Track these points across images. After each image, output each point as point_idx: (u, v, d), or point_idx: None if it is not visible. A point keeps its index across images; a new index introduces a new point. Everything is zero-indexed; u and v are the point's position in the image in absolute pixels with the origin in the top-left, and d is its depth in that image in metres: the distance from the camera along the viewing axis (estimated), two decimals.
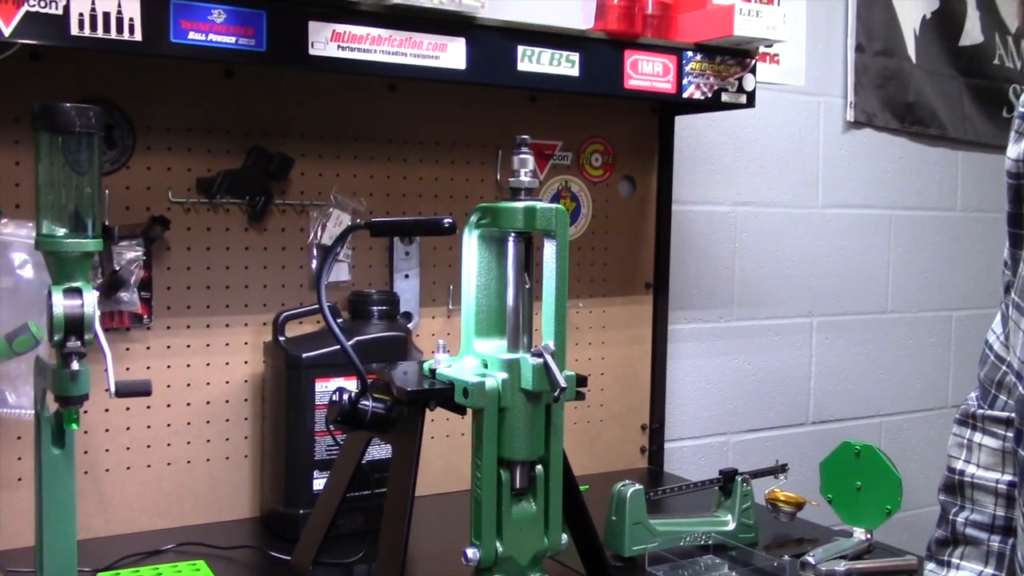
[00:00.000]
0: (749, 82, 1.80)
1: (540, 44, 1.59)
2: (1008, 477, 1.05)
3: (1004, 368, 1.05)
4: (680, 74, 1.73)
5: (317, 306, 1.27)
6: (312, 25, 1.41)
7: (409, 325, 1.76)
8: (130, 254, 1.54)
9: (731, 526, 1.55)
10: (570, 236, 1.91)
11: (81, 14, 1.26)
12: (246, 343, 1.67)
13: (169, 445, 1.62)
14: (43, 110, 1.10)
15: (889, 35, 2.46)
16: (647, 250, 2.07)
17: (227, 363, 1.66)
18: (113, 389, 1.12)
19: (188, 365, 1.63)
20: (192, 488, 1.64)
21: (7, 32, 1.23)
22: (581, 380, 1.18)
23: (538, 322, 1.15)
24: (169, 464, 1.62)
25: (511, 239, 1.17)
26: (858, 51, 2.42)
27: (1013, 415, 1.01)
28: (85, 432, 1.53)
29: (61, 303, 1.09)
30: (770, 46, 1.87)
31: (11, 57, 1.30)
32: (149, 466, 1.61)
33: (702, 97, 1.76)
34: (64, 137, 1.10)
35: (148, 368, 1.59)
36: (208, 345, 1.64)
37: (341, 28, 1.43)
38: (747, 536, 1.56)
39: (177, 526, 1.61)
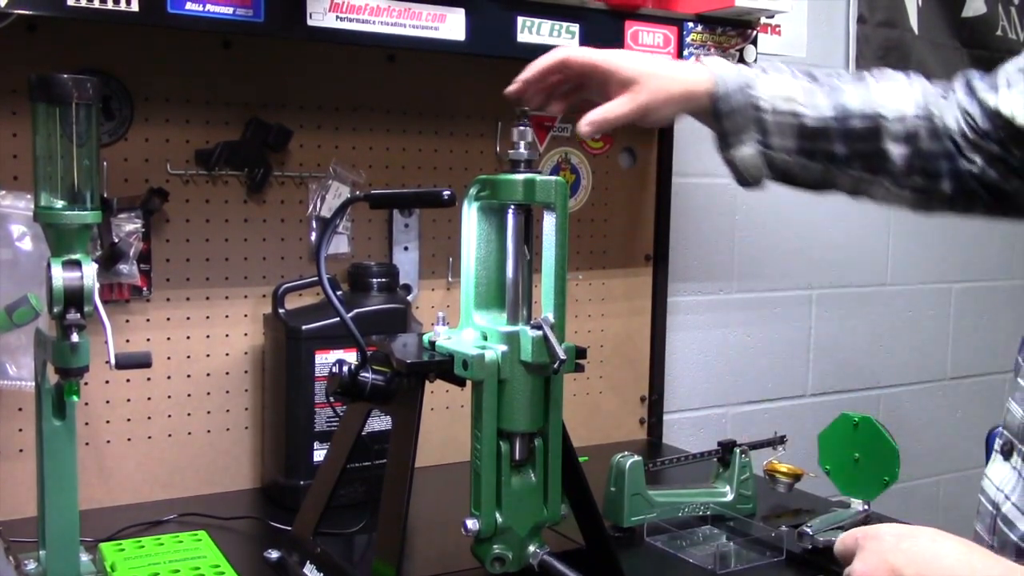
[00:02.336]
0: (750, 53, 1.79)
1: (540, 15, 1.58)
2: None
3: None
4: (681, 45, 1.72)
5: (316, 278, 1.27)
6: None
7: (408, 297, 1.77)
8: (129, 226, 1.54)
9: (729, 497, 1.56)
10: (570, 208, 1.91)
11: None
12: (246, 315, 1.67)
13: (170, 416, 1.62)
14: (40, 81, 1.10)
15: (891, 6, 2.44)
16: (647, 222, 2.06)
17: (227, 335, 1.66)
18: (113, 361, 1.12)
19: (188, 337, 1.63)
20: (193, 459, 1.65)
21: (3, 2, 1.22)
22: (580, 352, 1.18)
23: (537, 294, 1.15)
24: (170, 435, 1.63)
25: (511, 211, 1.16)
26: (860, 22, 2.40)
27: None
28: (86, 404, 1.53)
29: (60, 275, 1.09)
30: (771, 17, 1.85)
31: (7, 28, 1.29)
32: (150, 437, 1.61)
33: None
34: (61, 108, 1.10)
35: (148, 340, 1.59)
36: (208, 317, 1.64)
37: None
38: (745, 507, 1.57)
39: (178, 497, 1.62)
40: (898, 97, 1.18)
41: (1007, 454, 1.00)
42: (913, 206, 1.22)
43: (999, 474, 1.00)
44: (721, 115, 1.17)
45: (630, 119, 1.17)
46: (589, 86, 1.21)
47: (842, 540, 0.86)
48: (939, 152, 1.17)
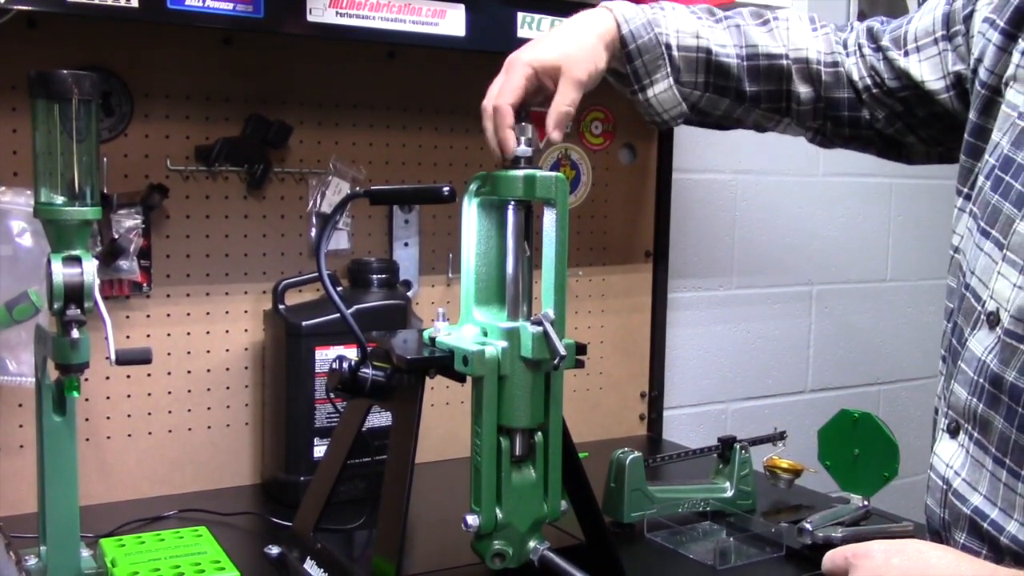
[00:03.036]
0: None
1: (540, 10, 1.58)
2: None
3: None
4: None
5: (317, 274, 1.27)
6: None
7: (408, 293, 1.77)
8: (129, 222, 1.54)
9: (729, 493, 1.57)
10: (570, 204, 1.91)
11: None
12: (246, 311, 1.67)
13: (170, 412, 1.63)
14: (40, 77, 1.10)
15: (892, 3, 2.44)
16: (647, 218, 2.06)
17: (227, 331, 1.66)
18: (113, 357, 1.12)
19: (188, 333, 1.63)
20: (193, 455, 1.65)
21: None
22: (580, 348, 1.18)
23: (538, 290, 1.15)
24: (170, 431, 1.63)
25: (511, 207, 1.16)
26: (860, 18, 2.40)
27: None
28: (86, 400, 1.53)
29: (60, 271, 1.09)
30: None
31: (7, 23, 1.29)
32: (150, 433, 1.61)
33: None
34: (61, 104, 1.10)
35: (148, 336, 1.59)
36: (208, 313, 1.64)
37: None
38: (745, 503, 1.57)
39: (178, 493, 1.62)
40: (802, 39, 1.22)
41: (953, 432, 1.02)
42: (811, 141, 1.30)
43: (947, 451, 1.03)
44: (631, 56, 1.19)
45: (579, 99, 1.18)
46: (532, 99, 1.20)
47: (831, 558, 0.87)
48: (841, 100, 1.23)
